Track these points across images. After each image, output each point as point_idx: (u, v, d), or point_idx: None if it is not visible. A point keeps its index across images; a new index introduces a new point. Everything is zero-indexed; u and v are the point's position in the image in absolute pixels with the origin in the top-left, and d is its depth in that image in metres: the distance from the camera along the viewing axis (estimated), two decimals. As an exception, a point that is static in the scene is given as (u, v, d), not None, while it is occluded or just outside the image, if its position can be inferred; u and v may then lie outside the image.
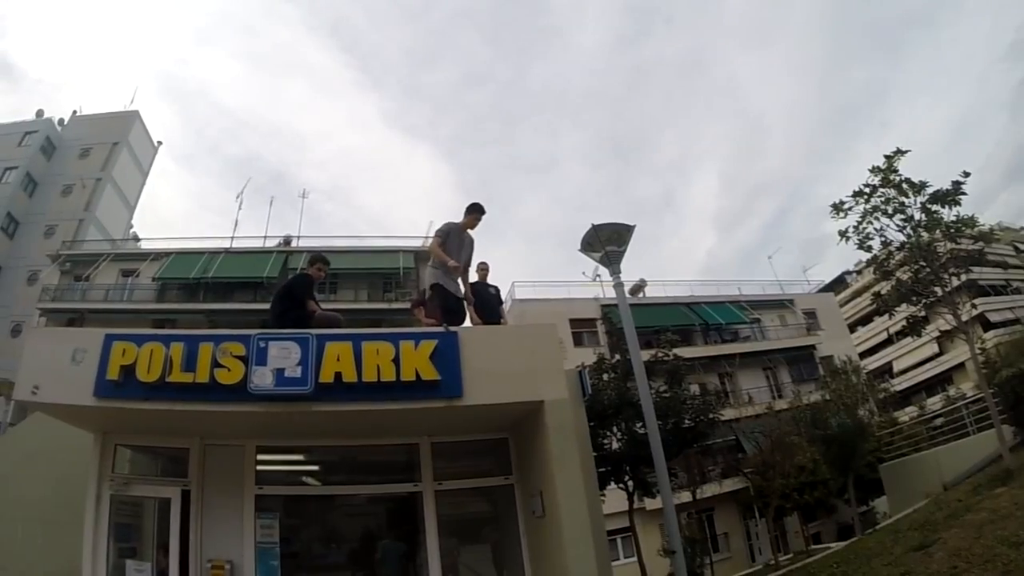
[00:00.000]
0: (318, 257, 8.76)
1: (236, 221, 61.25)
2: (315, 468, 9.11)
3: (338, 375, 6.93)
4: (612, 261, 7.96)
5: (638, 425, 15.12)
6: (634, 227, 8.20)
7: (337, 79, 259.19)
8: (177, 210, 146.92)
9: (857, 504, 26.65)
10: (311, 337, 7.01)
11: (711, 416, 17.50)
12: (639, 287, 39.89)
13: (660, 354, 17.55)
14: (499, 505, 8.74)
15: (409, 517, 8.36)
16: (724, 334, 40.38)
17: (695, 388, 33.67)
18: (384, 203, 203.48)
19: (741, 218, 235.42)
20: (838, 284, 60.82)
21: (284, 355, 6.87)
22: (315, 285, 8.55)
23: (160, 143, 52.84)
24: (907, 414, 38.42)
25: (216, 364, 6.82)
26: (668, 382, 16.82)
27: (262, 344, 6.89)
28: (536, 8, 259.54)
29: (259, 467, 8.03)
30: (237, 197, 42.57)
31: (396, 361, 7.06)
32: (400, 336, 7.35)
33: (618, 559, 21.03)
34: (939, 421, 23.83)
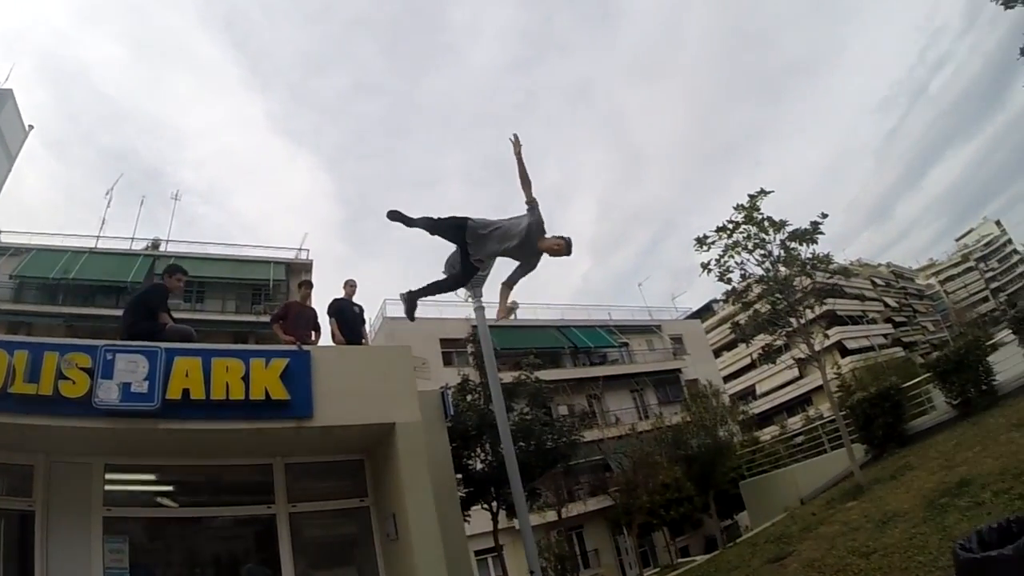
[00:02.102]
0: (175, 267, 8.35)
1: (104, 219, 55.81)
2: (169, 488, 8.49)
3: (186, 391, 6.64)
4: (475, 285, 7.94)
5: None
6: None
7: (225, 75, 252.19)
8: (43, 200, 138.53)
9: (722, 518, 27.81)
10: (160, 351, 6.68)
11: (573, 437, 17.68)
12: (512, 309, 39.94)
13: (523, 376, 17.61)
14: (357, 528, 8.53)
15: (274, 540, 8.04)
16: (593, 357, 41.24)
17: (563, 409, 34.30)
18: (261, 210, 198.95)
19: (617, 244, 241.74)
20: (706, 311, 63.03)
21: (131, 369, 6.52)
22: (169, 296, 8.18)
23: (31, 127, 48.89)
24: (768, 434, 40.06)
25: (61, 375, 6.37)
26: (530, 404, 16.87)
27: (109, 356, 6.51)
28: (435, 24, 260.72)
29: (108, 487, 7.43)
30: (107, 193, 39.93)
31: (246, 379, 6.85)
32: (251, 353, 7.18)
33: None
34: (800, 439, 25.12)
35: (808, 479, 19.56)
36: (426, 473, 7.31)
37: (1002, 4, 13.01)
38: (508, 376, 17.65)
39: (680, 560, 26.37)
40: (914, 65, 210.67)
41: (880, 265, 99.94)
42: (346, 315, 10.63)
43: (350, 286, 11.00)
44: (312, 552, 8.21)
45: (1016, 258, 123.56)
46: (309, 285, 10.87)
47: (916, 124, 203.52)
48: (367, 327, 11.46)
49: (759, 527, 19.12)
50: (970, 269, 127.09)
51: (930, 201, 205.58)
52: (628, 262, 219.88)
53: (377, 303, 37.01)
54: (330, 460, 8.47)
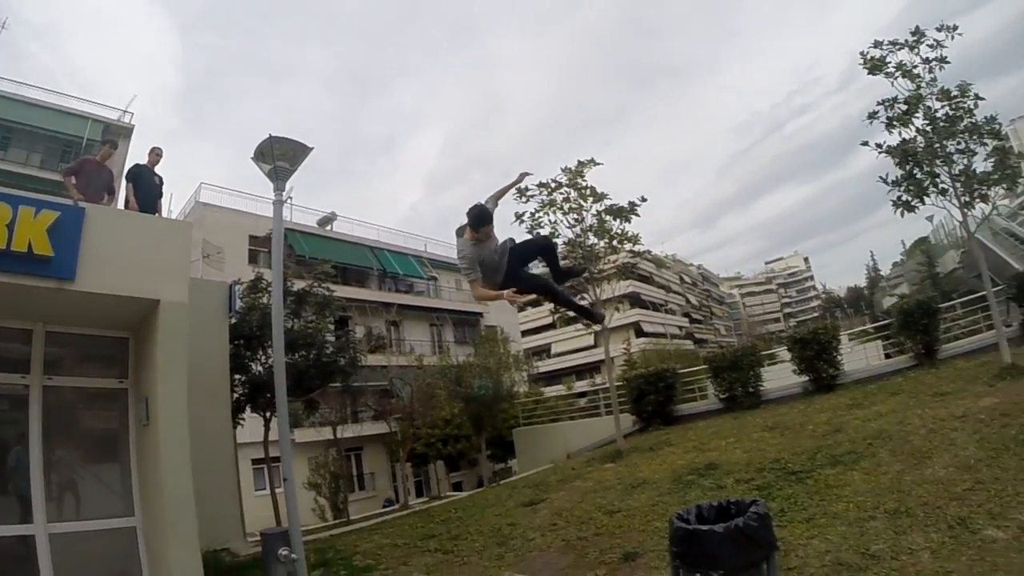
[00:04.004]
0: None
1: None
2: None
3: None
4: (279, 177, 7.54)
5: (287, 355, 14.65)
6: (311, 149, 7.85)
7: None
8: None
9: (500, 462, 29.30)
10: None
11: (354, 354, 17.40)
12: (329, 219, 39.10)
13: (314, 285, 17.09)
14: (115, 411, 7.88)
15: (26, 415, 7.22)
16: (400, 284, 41.01)
17: (361, 330, 34.04)
18: (99, 65, 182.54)
19: (453, 183, 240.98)
20: (522, 267, 64.04)
21: None
22: None
23: None
24: (555, 391, 41.59)
25: None
26: (317, 313, 16.42)
27: None
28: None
29: None
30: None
31: (10, 227, 6.12)
32: (21, 200, 6.44)
33: (265, 488, 20.46)
34: (583, 402, 26.35)
35: (578, 437, 20.53)
36: (184, 359, 6.88)
37: (867, 71, 13.77)
38: (302, 284, 17.12)
39: (449, 493, 26.93)
40: (778, 104, 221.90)
41: (692, 265, 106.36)
42: (144, 183, 10.01)
43: (155, 154, 10.40)
44: (66, 432, 7.48)
45: (812, 293, 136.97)
46: (113, 145, 10.19)
47: (763, 154, 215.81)
48: (164, 201, 10.81)
49: (524, 473, 19.89)
50: (771, 291, 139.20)
51: (754, 223, 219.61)
52: (460, 202, 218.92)
53: (195, 185, 34.96)
54: (94, 334, 7.72)
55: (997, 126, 12.92)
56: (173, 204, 28.63)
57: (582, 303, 6.47)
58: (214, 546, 10.13)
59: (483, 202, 5.47)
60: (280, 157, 7.67)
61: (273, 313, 6.52)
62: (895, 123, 13.54)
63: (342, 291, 31.54)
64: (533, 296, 6.49)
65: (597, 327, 16.78)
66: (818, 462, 9.33)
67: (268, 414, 15.64)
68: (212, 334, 11.27)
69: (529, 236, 15.06)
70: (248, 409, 15.41)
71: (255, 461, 21.09)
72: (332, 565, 9.51)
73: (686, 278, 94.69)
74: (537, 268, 6.97)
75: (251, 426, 16.00)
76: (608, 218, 16.23)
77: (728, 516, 4.09)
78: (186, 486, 6.65)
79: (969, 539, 5.48)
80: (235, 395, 14.28)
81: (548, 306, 50.26)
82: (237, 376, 14.35)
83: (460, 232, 5.42)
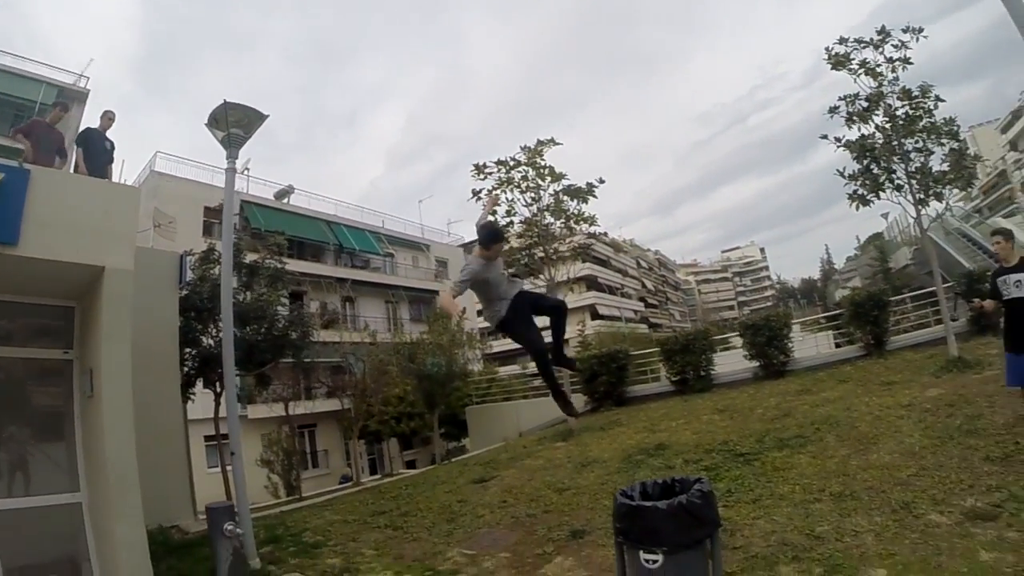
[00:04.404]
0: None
1: None
2: None
3: None
4: (232, 144, 7.42)
5: (237, 327, 14.41)
6: (266, 116, 7.73)
7: None
8: None
9: (454, 440, 29.62)
10: None
11: (305, 328, 17.15)
12: (286, 192, 38.56)
13: (265, 257, 16.78)
14: (60, 383, 7.66)
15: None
16: (356, 260, 40.75)
17: (316, 305, 33.77)
18: (59, 25, 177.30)
19: (414, 159, 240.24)
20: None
21: None
22: None
23: None
24: (510, 371, 41.78)
25: None
26: (269, 286, 16.14)
27: None
28: None
29: None
30: None
31: None
32: (-35, 162, 6.23)
33: (217, 466, 20.19)
34: (537, 382, 26.56)
35: (530, 416, 20.69)
36: (128, 328, 6.66)
37: (831, 66, 13.85)
38: (258, 257, 16.86)
39: (402, 471, 26.94)
40: (743, 96, 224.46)
41: (649, 250, 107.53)
42: (95, 146, 9.80)
43: (107, 118, 10.15)
44: (9, 406, 7.23)
45: (767, 283, 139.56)
46: (64, 108, 9.98)
47: (724, 145, 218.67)
48: (115, 167, 10.59)
49: (476, 451, 19.97)
50: (726, 279, 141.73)
51: (712, 212, 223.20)
52: (420, 180, 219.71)
53: (150, 154, 34.13)
54: (39, 303, 7.42)
55: (956, 128, 13.07)
56: (130, 174, 28.09)
57: (562, 390, 6.43)
58: (164, 523, 9.98)
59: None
60: (235, 124, 7.56)
61: (222, 283, 6.45)
62: (855, 118, 13.66)
63: (297, 265, 31.30)
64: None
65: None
66: (766, 445, 9.47)
67: (220, 389, 15.40)
68: (162, 305, 11.05)
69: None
70: (200, 384, 15.18)
71: (208, 438, 20.76)
72: (281, 541, 9.43)
73: (643, 263, 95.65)
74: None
75: (204, 403, 15.80)
76: (565, 198, 16.28)
77: (672, 493, 4.11)
78: (130, 460, 6.49)
79: (913, 523, 5.58)
80: (185, 369, 14.04)
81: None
82: (188, 350, 14.11)
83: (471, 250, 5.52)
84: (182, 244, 15.50)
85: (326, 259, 38.34)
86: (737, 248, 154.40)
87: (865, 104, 13.51)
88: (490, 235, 5.38)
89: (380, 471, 32.17)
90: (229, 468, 14.05)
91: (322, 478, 30.85)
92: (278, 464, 23.49)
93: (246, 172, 34.15)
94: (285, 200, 38.28)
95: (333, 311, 35.04)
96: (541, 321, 5.90)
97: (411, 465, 32.66)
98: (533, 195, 16.28)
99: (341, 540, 9.18)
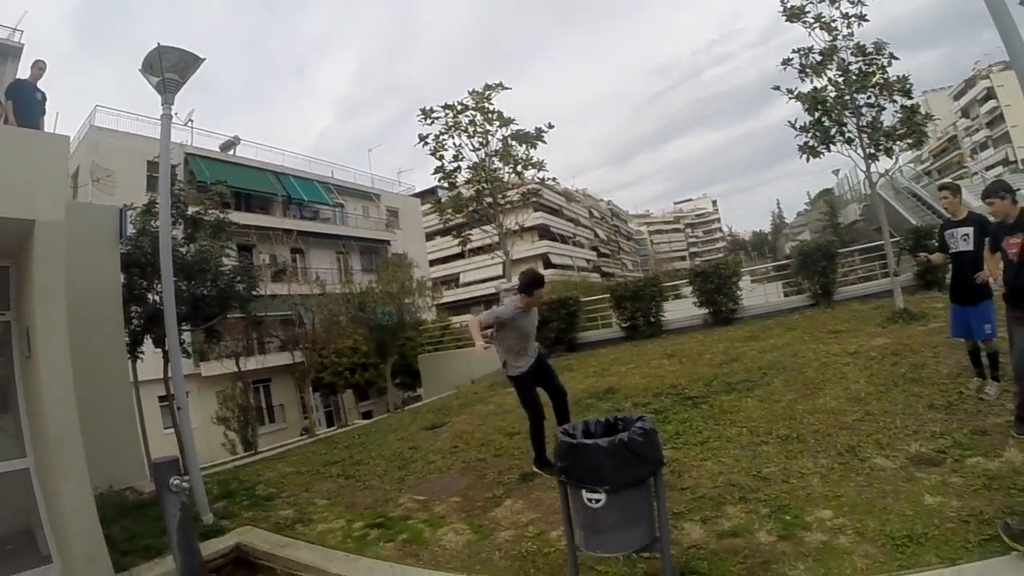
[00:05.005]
0: None
1: None
2: None
3: None
4: (167, 90, 7.18)
5: (182, 281, 14.12)
6: (203, 60, 7.49)
7: None
8: None
9: (408, 389, 29.79)
10: None
11: (252, 280, 16.73)
12: (232, 144, 37.65)
13: (206, 208, 16.27)
14: (1, 347, 7.53)
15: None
16: (305, 211, 40.23)
17: (265, 258, 33.36)
18: None
19: (365, 109, 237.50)
20: (431, 194, 63.67)
21: None
22: None
23: None
24: (464, 320, 41.92)
25: None
26: (212, 238, 15.67)
27: None
28: None
29: None
30: None
31: None
32: None
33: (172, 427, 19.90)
34: (491, 332, 26.67)
35: (482, 364, 20.64)
36: (62, 283, 6.37)
37: (785, 18, 13.79)
38: (199, 208, 16.35)
39: (357, 421, 26.94)
40: (699, 51, 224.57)
41: (602, 200, 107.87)
42: (25, 98, 9.44)
43: (37, 68, 9.78)
44: None
45: (718, 235, 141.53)
46: None
47: (679, 98, 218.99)
48: (48, 119, 10.23)
49: (429, 399, 20.03)
50: (678, 231, 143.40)
51: (665, 164, 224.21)
52: (371, 130, 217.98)
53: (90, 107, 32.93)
54: None
55: (909, 86, 13.12)
56: (71, 130, 27.23)
57: (546, 453, 6.66)
58: (116, 485, 9.83)
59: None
60: (169, 69, 7.31)
61: (160, 232, 6.28)
62: (808, 71, 13.69)
63: (245, 218, 30.81)
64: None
65: (504, 258, 16.78)
66: (714, 389, 9.62)
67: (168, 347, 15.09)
68: (102, 261, 10.77)
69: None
70: (149, 342, 14.85)
71: (161, 399, 20.44)
72: (235, 496, 9.40)
73: (595, 212, 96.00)
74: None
75: (156, 363, 15.49)
76: (514, 143, 16.21)
77: (615, 431, 4.13)
78: (72, 421, 6.30)
79: (858, 466, 5.68)
80: (132, 327, 13.76)
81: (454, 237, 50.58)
82: (134, 307, 13.82)
83: (511, 292, 5.76)
84: (126, 199, 14.97)
85: (275, 211, 37.71)
86: (690, 200, 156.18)
87: (819, 58, 13.53)
88: (532, 281, 5.64)
89: (336, 423, 32.20)
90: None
91: (280, 432, 30.66)
92: (234, 420, 23.26)
93: (190, 123, 33.38)
94: (231, 152, 37.34)
95: (283, 263, 34.65)
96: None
97: (367, 416, 32.59)
98: (481, 140, 16.20)
99: (294, 491, 9.18)
